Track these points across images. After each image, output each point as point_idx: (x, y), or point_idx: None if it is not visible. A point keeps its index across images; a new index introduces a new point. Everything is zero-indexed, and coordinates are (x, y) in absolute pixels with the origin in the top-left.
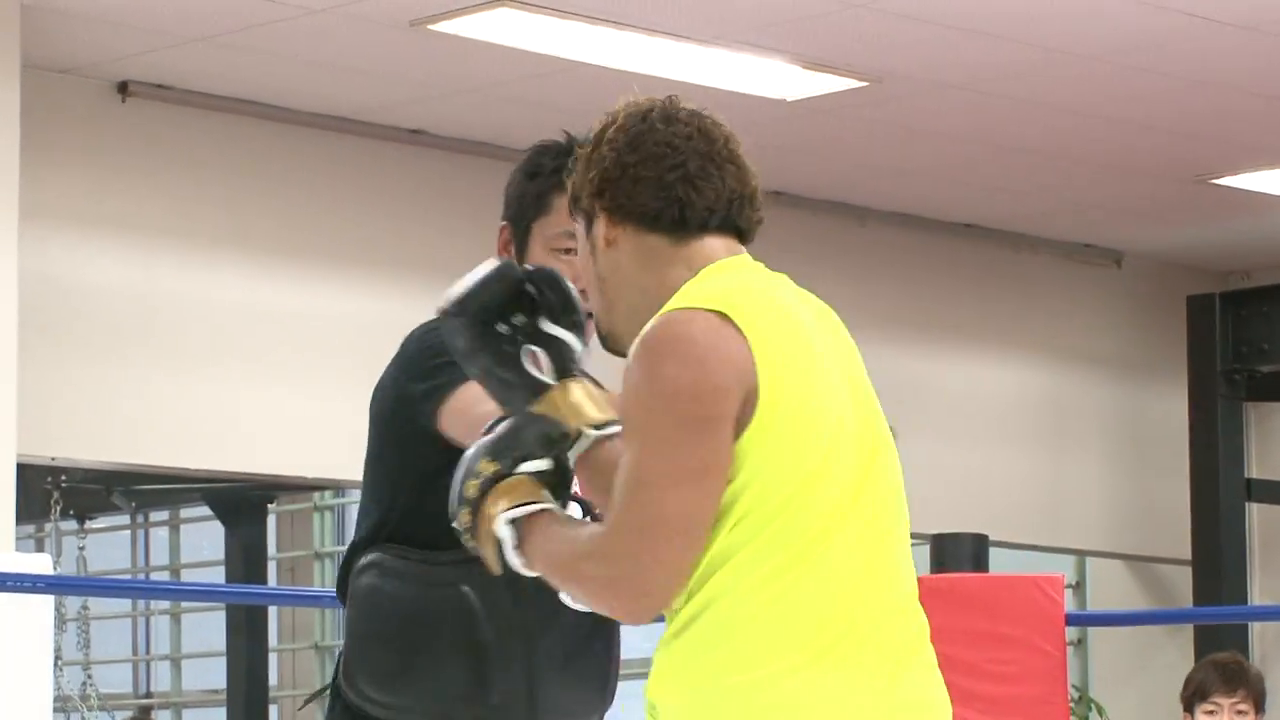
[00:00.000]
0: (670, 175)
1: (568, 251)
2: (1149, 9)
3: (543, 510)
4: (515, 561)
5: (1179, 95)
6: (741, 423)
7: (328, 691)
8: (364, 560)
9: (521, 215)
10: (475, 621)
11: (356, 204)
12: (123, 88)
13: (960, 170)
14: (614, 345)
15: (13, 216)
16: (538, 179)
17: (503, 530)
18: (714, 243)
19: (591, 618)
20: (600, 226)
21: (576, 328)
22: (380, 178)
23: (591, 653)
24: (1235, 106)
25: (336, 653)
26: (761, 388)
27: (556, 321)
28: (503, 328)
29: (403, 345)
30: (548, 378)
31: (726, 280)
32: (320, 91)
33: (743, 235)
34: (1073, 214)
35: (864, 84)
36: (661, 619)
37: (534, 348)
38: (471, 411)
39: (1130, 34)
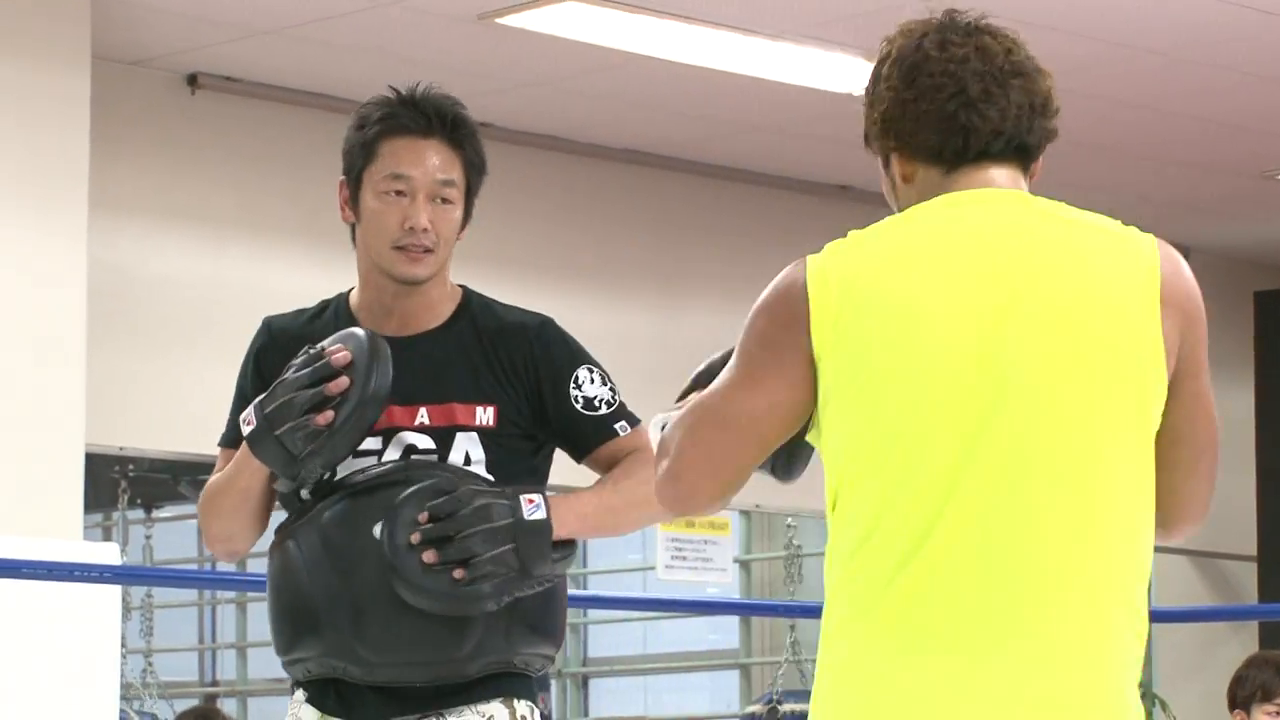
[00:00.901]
0: (950, 105)
1: (399, 194)
2: (1215, 3)
3: None
4: None
5: (1246, 90)
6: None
7: None
8: None
9: (352, 166)
10: (293, 576)
11: None
12: (192, 80)
13: None
14: None
15: (82, 207)
16: (364, 129)
17: None
18: (974, 176)
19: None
20: (895, 165)
21: None
22: None
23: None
24: None
25: None
26: (817, 348)
27: None
28: None
29: None
30: None
31: (878, 227)
32: (387, 85)
33: (1029, 153)
34: (1140, 209)
35: None
36: None
37: None
38: None
39: (1196, 29)
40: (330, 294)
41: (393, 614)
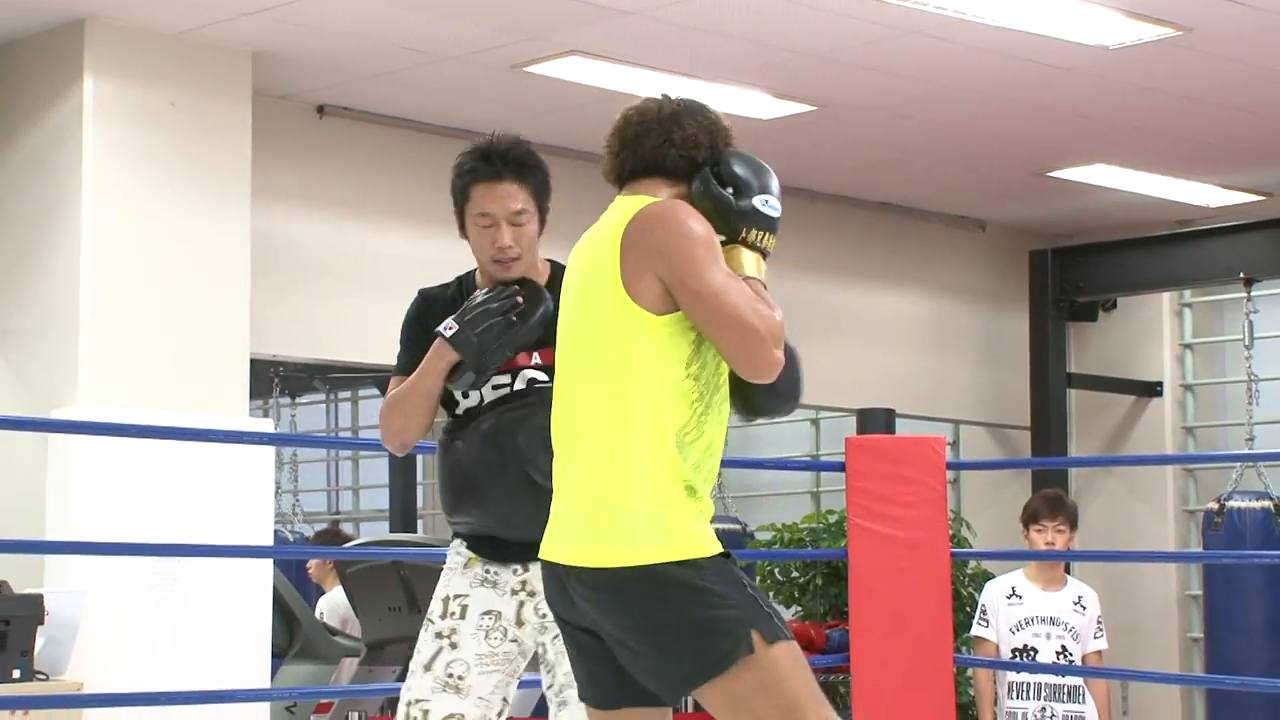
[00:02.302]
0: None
1: (487, 226)
2: (1008, 60)
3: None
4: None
5: (1028, 117)
6: None
7: None
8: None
9: (456, 202)
10: (463, 466)
11: None
12: (320, 109)
13: (876, 165)
14: None
15: (246, 193)
16: (461, 177)
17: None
18: (638, 186)
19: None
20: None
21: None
22: None
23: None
24: (1065, 125)
25: None
26: None
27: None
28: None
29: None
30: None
31: None
32: (451, 112)
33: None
34: (955, 195)
35: (813, 108)
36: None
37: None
38: None
39: (1003, 77)
40: (410, 255)
41: (531, 496)
